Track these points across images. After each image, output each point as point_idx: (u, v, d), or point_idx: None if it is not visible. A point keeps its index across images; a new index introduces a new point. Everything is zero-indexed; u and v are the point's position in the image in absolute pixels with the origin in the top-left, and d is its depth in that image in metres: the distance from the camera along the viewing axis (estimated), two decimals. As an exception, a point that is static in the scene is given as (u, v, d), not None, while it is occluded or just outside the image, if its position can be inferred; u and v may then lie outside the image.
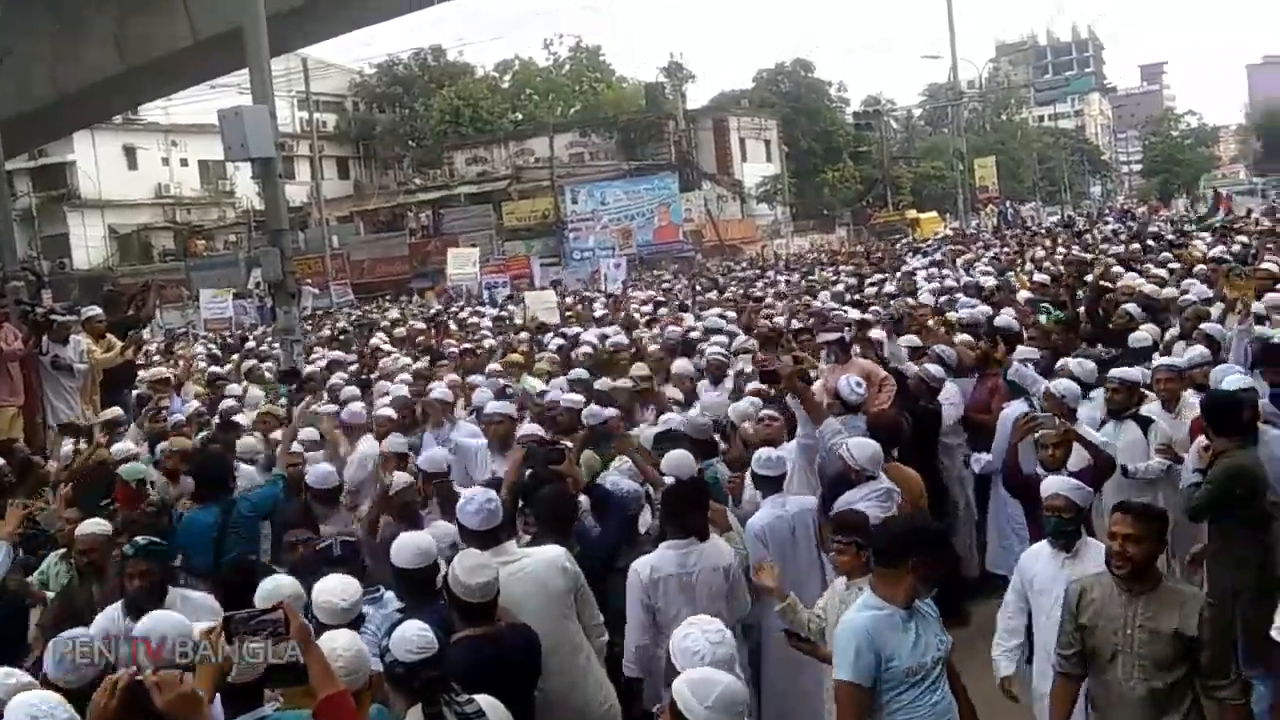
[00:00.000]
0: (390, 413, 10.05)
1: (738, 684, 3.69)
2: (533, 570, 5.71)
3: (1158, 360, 9.13)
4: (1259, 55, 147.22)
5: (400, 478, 7.45)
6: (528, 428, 8.72)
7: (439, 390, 10.55)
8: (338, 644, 4.34)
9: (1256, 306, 10.45)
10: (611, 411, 8.87)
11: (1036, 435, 7.11)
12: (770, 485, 7.12)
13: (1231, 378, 7.78)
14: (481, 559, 5.26)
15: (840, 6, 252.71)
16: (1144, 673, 4.93)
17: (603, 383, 10.30)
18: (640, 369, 10.90)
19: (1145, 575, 5.00)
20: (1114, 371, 8.60)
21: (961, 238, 38.19)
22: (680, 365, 11.30)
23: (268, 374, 15.18)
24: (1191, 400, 8.24)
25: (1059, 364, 9.48)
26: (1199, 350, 9.03)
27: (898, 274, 22.60)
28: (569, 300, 26.16)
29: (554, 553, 5.88)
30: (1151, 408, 8.42)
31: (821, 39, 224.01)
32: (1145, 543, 4.95)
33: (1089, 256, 20.53)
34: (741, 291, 23.56)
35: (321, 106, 67.75)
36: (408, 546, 5.53)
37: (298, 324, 15.58)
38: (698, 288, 26.64)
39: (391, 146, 72.88)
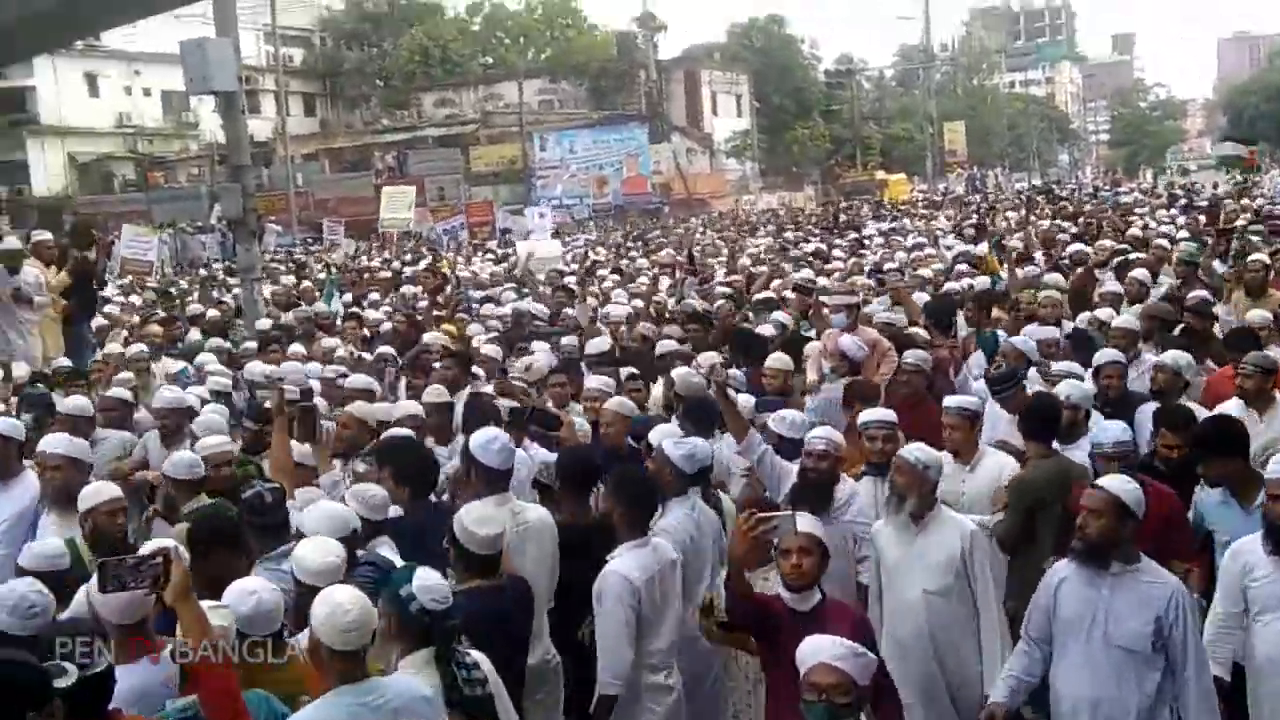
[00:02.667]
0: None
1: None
2: (534, 526, 5.70)
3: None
4: (1229, 30, 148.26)
5: None
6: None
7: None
8: (342, 599, 3.97)
9: None
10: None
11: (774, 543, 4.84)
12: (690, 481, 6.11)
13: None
14: (490, 511, 5.18)
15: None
16: None
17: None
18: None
19: None
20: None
21: (930, 203, 37.86)
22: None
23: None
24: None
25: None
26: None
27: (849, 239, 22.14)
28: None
29: (543, 512, 5.84)
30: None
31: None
32: None
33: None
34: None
35: (288, 41, 66.63)
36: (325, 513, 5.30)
37: (258, 261, 15.47)
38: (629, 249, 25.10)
39: (359, 85, 71.94)
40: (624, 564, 5.34)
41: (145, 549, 4.41)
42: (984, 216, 26.03)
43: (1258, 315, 9.10)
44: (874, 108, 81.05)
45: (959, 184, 60.78)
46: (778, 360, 8.73)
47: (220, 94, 13.90)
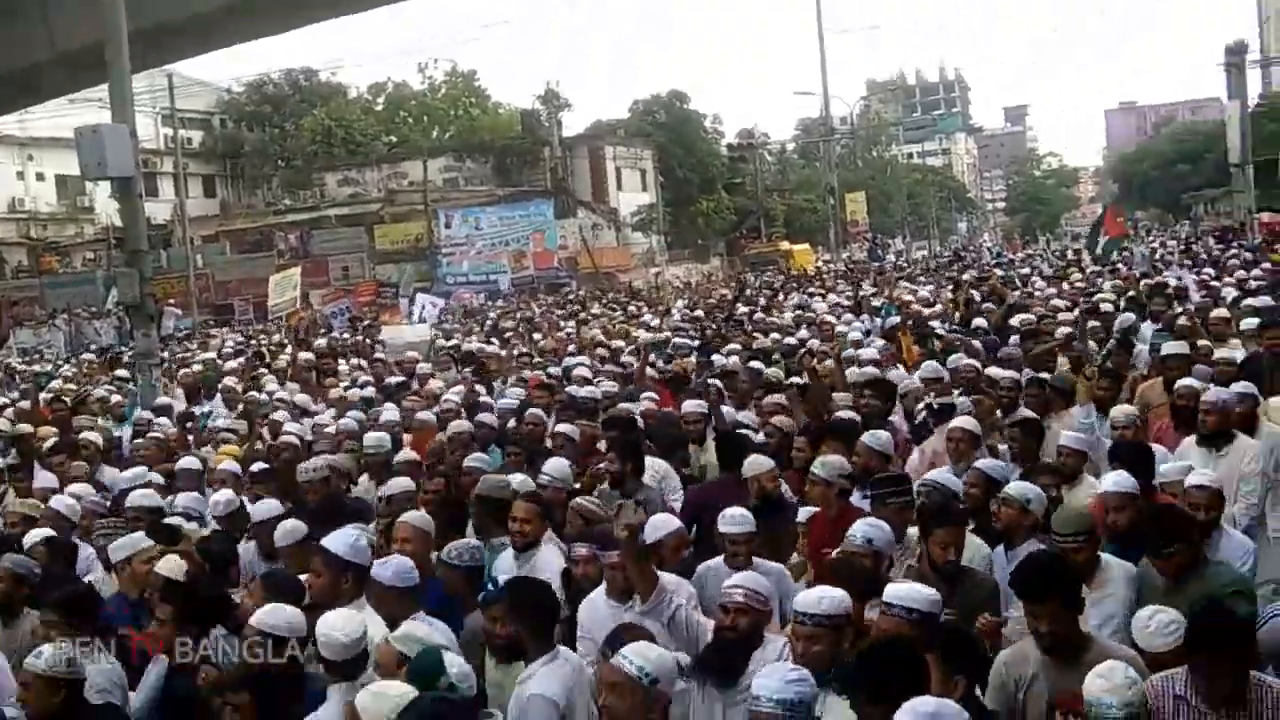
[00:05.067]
0: None
1: None
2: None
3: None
4: (1116, 101, 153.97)
5: None
6: None
7: None
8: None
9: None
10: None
11: None
12: None
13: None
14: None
15: (716, 41, 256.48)
16: None
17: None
18: None
19: None
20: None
21: (842, 274, 37.24)
22: None
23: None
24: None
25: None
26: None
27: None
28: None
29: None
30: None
31: (698, 73, 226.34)
32: None
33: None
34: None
35: (187, 123, 65.96)
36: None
37: (156, 347, 15.04)
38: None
39: (260, 166, 71.33)
40: (547, 685, 4.83)
41: None
42: (878, 286, 25.62)
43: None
44: (776, 180, 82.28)
45: (861, 252, 61.94)
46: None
47: (117, 179, 13.61)
